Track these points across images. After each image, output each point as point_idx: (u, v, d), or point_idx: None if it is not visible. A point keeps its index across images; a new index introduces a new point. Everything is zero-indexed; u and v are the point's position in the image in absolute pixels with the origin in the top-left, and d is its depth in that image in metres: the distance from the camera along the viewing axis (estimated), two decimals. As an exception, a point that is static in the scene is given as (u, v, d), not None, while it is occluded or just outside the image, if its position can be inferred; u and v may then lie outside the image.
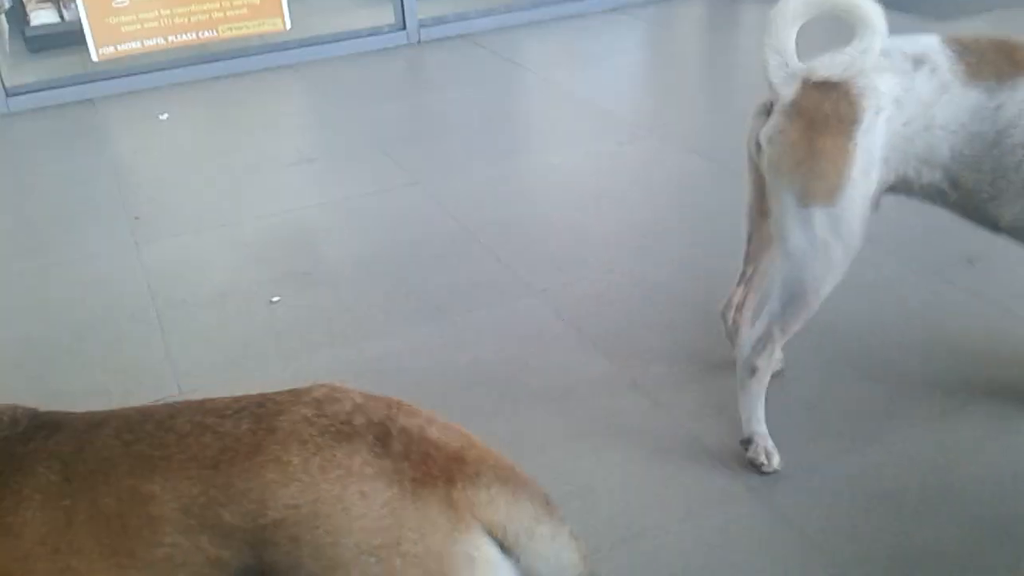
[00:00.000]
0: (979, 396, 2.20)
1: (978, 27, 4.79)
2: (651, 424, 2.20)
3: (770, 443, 2.03)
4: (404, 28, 5.29)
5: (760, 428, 2.04)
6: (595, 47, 5.21)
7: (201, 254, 3.17)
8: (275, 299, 2.81)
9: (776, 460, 2.01)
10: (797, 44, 1.91)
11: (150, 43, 4.79)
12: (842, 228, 1.90)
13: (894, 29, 1.88)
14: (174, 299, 2.87)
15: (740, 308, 2.26)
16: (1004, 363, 2.30)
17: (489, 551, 1.00)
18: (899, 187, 1.98)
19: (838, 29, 1.88)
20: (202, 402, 1.11)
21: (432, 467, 1.00)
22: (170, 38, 4.82)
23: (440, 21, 5.42)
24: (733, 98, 4.40)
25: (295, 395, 1.08)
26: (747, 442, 2.04)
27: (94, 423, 1.11)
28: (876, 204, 1.97)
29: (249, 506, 0.98)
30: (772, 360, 2.01)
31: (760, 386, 2.03)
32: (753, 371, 2.02)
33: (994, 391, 2.21)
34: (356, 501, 0.97)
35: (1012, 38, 1.94)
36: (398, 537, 0.96)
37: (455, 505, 0.99)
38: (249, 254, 3.14)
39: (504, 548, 1.01)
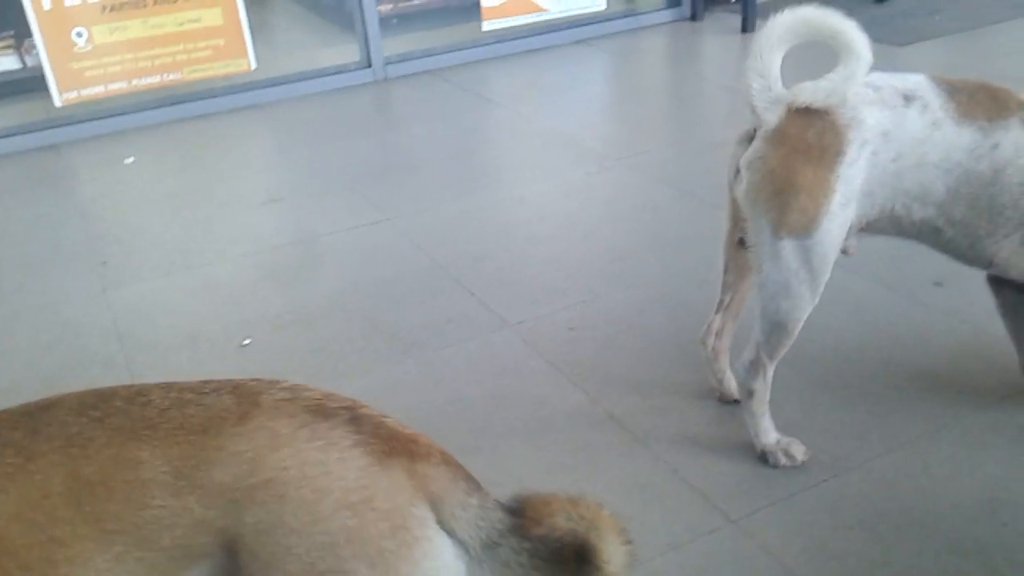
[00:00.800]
0: (954, 418, 2.21)
1: (936, 51, 4.90)
2: (629, 456, 2.19)
3: (783, 442, 2.09)
4: (370, 65, 5.31)
5: (770, 438, 2.10)
6: (561, 79, 5.25)
7: (170, 297, 3.13)
8: (246, 341, 2.78)
9: (799, 451, 2.08)
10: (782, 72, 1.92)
11: (114, 87, 4.76)
12: (814, 260, 1.91)
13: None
14: (144, 343, 2.83)
15: (720, 335, 2.28)
16: (979, 383, 2.32)
17: (431, 515, 1.16)
18: (882, 224, 1.99)
19: (825, 58, 1.89)
20: (169, 384, 1.21)
21: (396, 444, 1.16)
22: (134, 82, 4.79)
23: (406, 57, 5.44)
24: (698, 127, 4.45)
25: (265, 383, 1.21)
26: (763, 456, 2.10)
27: (38, 408, 1.17)
28: (849, 246, 1.99)
29: (241, 466, 1.09)
30: (768, 381, 2.06)
31: (761, 405, 2.08)
32: (751, 394, 2.08)
33: (969, 412, 2.22)
34: (337, 465, 1.11)
35: (989, 82, 1.97)
36: (371, 495, 1.11)
37: (415, 475, 1.15)
38: (219, 296, 3.11)
39: (439, 519, 1.16)
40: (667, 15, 6.00)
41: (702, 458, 2.15)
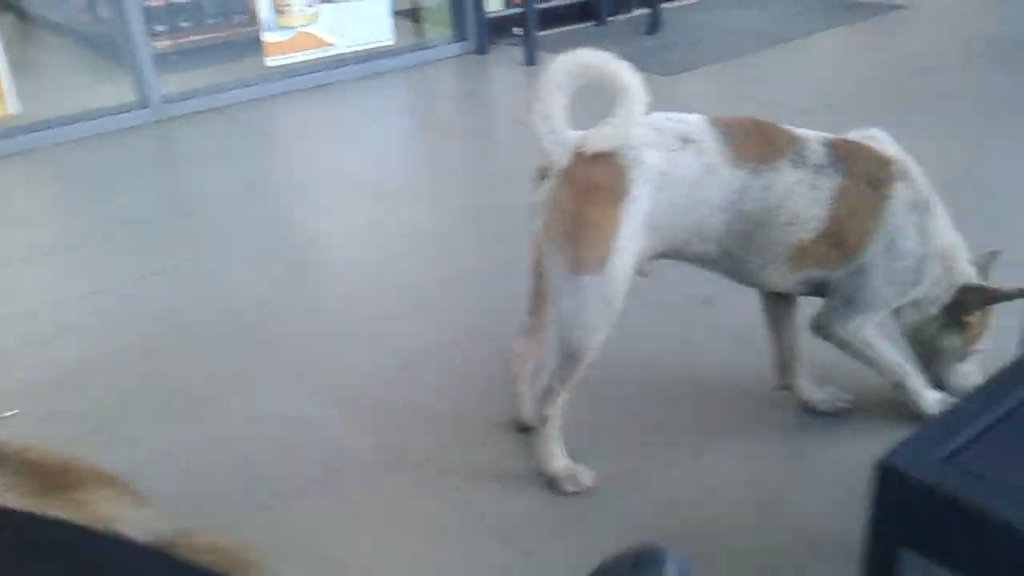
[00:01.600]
0: (728, 431, 2.35)
1: (699, 80, 5.25)
2: (424, 497, 2.18)
3: (571, 467, 2.14)
4: (147, 105, 5.06)
5: (559, 465, 2.14)
6: (350, 115, 5.22)
7: (-80, 370, 2.83)
8: (8, 413, 2.55)
9: (586, 476, 2.14)
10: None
11: None
12: (608, 294, 1.98)
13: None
14: None
15: (522, 358, 2.32)
16: (747, 391, 2.47)
17: None
18: (670, 254, 2.10)
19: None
20: None
21: (47, 480, 1.16)
22: None
23: (188, 95, 5.22)
24: (489, 160, 4.54)
25: None
26: (552, 482, 2.14)
27: None
28: (645, 269, 2.09)
29: None
30: (560, 407, 2.11)
31: (553, 431, 2.13)
32: (544, 420, 2.12)
33: (741, 424, 2.37)
34: None
35: (763, 121, 2.09)
36: None
37: (76, 504, 1.15)
38: (-22, 365, 2.85)
39: None
40: (455, 48, 6.10)
41: (497, 492, 2.17)
